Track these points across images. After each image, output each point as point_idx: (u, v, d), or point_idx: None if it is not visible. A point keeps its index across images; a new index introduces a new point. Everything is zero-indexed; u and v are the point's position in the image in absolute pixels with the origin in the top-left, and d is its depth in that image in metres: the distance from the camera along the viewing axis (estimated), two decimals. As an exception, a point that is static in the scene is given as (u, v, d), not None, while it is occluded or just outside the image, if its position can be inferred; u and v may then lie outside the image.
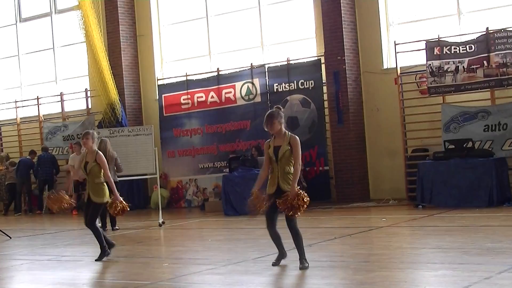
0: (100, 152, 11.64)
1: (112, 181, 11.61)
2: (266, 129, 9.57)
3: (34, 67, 26.70)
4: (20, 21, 27.02)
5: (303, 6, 20.65)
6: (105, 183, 11.53)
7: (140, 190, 22.42)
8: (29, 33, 26.79)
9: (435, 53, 17.51)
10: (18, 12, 27.03)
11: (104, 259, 11.38)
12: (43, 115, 25.23)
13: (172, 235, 15.36)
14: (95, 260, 11.34)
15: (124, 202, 11.66)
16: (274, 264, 9.60)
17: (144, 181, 21.90)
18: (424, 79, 18.00)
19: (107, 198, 11.53)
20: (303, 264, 9.24)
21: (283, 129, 9.51)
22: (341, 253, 10.71)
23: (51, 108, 25.32)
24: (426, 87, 17.88)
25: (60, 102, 24.78)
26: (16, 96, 26.35)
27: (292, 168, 9.37)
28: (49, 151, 23.72)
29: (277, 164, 9.37)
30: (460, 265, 8.95)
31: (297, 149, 9.36)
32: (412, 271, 8.94)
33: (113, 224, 16.25)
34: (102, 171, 11.48)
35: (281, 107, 9.89)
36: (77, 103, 24.64)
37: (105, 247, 11.49)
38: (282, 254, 9.67)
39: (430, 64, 17.56)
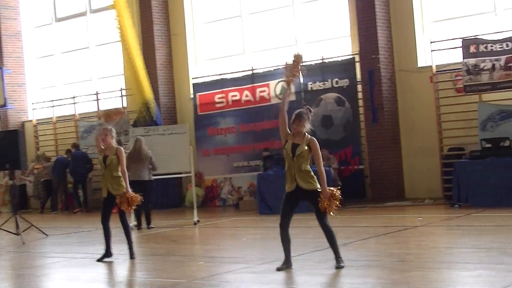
0: (120, 147, 11.68)
1: (127, 176, 11.54)
2: (293, 126, 9.59)
3: (69, 66, 26.90)
4: (55, 20, 27.24)
5: (338, 4, 20.58)
6: (121, 177, 11.47)
7: (175, 189, 22.49)
8: (65, 33, 27.00)
9: (471, 51, 17.34)
10: (54, 12, 27.25)
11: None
12: (78, 114, 25.42)
13: (206, 233, 15.38)
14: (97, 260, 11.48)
15: (134, 195, 11.54)
16: (279, 269, 9.36)
17: (179, 179, 21.97)
18: (460, 77, 17.84)
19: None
20: (338, 263, 9.19)
21: (304, 130, 9.58)
22: (377, 253, 10.65)
23: (86, 107, 25.49)
24: (462, 86, 17.71)
25: (95, 101, 24.94)
26: (52, 95, 26.56)
27: (308, 166, 9.42)
28: (83, 149, 23.89)
29: (293, 160, 9.41)
30: (497, 265, 8.86)
31: (317, 152, 9.48)
32: (448, 271, 8.86)
33: (148, 222, 16.31)
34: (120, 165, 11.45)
35: (311, 109, 9.83)
36: (112, 102, 24.77)
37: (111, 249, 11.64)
38: (288, 262, 9.48)
39: (466, 62, 17.40)
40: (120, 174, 11.45)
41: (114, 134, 11.61)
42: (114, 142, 11.56)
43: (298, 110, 9.80)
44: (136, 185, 16.33)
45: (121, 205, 11.36)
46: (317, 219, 9.41)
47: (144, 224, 16.32)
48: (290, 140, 9.54)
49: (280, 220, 9.56)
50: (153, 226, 16.30)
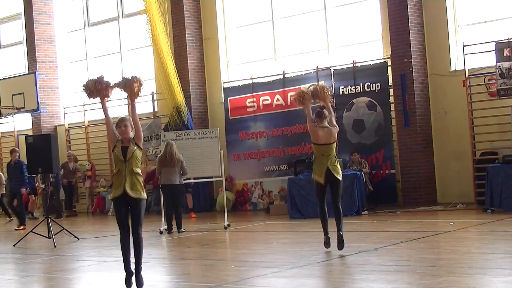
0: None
1: None
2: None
3: (101, 71, 26.98)
4: (88, 25, 27.42)
5: (370, 8, 20.49)
6: (141, 177, 9.53)
7: (206, 193, 22.53)
8: (97, 37, 27.17)
9: (505, 55, 17.19)
10: (86, 17, 27.43)
11: None
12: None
13: (237, 237, 15.38)
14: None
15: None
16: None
17: (210, 184, 22.01)
18: (493, 81, 17.69)
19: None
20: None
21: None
22: (408, 257, 10.57)
23: (118, 111, 25.57)
24: (495, 89, 17.56)
25: (127, 105, 25.03)
26: (84, 100, 26.66)
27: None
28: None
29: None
30: (530, 271, 8.76)
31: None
32: (481, 277, 8.77)
33: (179, 226, 16.34)
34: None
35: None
36: (143, 106, 24.87)
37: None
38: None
39: (499, 66, 17.24)
40: (140, 172, 9.50)
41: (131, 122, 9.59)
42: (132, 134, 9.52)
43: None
44: (168, 189, 16.44)
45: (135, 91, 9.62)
46: (333, 202, 11.24)
47: (174, 228, 16.35)
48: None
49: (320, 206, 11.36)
50: (183, 230, 16.33)
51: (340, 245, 10.89)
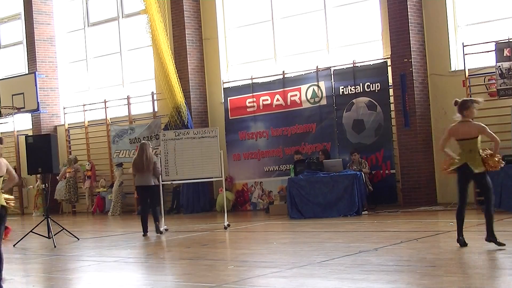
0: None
1: None
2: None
3: (101, 71, 27.06)
4: (88, 25, 27.42)
5: (370, 8, 20.49)
6: None
7: (206, 193, 22.52)
8: (97, 38, 27.17)
9: (504, 55, 17.18)
10: (86, 17, 27.44)
11: None
12: (110, 118, 25.54)
13: (237, 237, 15.37)
14: None
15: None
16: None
17: (210, 183, 22.01)
18: (493, 81, 17.68)
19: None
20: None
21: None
22: (408, 257, 10.57)
23: (118, 111, 25.61)
24: (495, 90, 17.56)
25: (127, 105, 25.06)
26: (84, 100, 26.73)
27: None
28: (114, 153, 24.23)
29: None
30: (530, 270, 8.76)
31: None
32: (481, 277, 8.77)
33: (157, 227, 16.03)
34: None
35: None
36: (143, 106, 24.90)
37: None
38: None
39: (499, 66, 17.24)
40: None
41: None
42: None
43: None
44: (144, 190, 16.37)
45: None
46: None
47: (153, 229, 16.10)
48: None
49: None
50: (164, 230, 16.14)
51: None
